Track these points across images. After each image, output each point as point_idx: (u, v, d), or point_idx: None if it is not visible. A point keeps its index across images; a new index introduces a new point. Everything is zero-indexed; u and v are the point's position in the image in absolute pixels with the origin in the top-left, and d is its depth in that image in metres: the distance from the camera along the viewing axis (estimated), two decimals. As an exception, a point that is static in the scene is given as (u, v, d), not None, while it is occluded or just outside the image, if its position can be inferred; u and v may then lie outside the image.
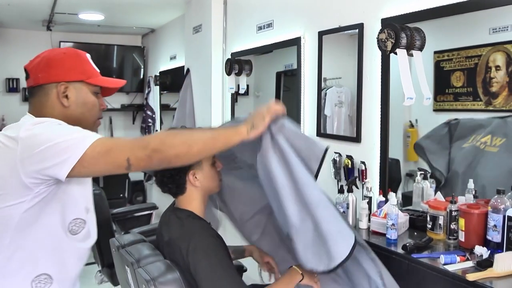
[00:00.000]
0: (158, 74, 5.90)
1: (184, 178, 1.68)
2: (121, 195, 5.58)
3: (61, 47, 1.28)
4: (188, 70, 4.54)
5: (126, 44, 6.53)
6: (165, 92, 5.84)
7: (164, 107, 5.87)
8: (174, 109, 4.76)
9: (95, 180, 5.02)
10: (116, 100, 6.48)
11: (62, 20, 5.40)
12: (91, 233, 1.43)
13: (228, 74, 3.74)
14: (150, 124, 6.09)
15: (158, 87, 5.91)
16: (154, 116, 6.05)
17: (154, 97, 6.05)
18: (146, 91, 6.25)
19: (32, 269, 1.28)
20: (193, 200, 1.72)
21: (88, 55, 1.48)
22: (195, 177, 1.69)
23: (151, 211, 3.52)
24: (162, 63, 5.89)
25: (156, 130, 5.88)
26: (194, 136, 1.29)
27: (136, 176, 6.17)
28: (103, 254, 2.73)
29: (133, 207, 3.69)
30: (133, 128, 6.72)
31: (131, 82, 6.56)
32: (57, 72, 1.36)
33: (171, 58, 5.54)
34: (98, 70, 1.47)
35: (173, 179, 1.68)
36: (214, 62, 4.05)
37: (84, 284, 3.94)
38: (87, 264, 3.79)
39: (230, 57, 3.88)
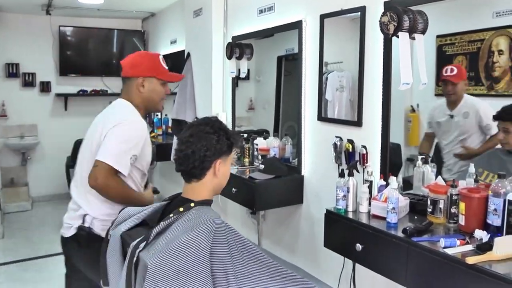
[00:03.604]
0: (158, 58, 5.86)
1: (211, 163, 1.68)
2: (122, 180, 5.58)
3: (143, 52, 2.39)
4: (188, 54, 4.51)
5: (126, 28, 6.49)
6: (165, 76, 5.80)
7: (165, 92, 5.84)
8: (175, 93, 4.73)
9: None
10: (117, 85, 6.43)
11: (61, 4, 5.36)
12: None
13: (229, 58, 3.72)
14: (151, 108, 6.06)
15: (158, 71, 5.87)
16: (154, 100, 6.02)
17: (155, 81, 6.01)
18: (147, 76, 6.22)
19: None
20: (205, 191, 1.72)
21: (161, 57, 2.13)
22: (219, 168, 1.70)
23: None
24: (162, 47, 5.86)
25: (157, 115, 5.86)
26: (123, 196, 2.00)
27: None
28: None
29: (134, 192, 3.69)
30: (134, 112, 6.69)
31: (132, 66, 6.53)
32: (138, 70, 2.06)
33: (171, 42, 5.51)
34: (167, 68, 2.14)
35: (203, 160, 1.66)
36: (214, 46, 4.03)
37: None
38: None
39: (231, 41, 3.86)
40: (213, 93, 4.07)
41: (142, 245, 1.57)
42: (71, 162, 5.12)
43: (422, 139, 2.52)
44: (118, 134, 1.96)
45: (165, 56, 5.67)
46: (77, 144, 5.39)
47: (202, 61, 4.24)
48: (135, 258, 1.56)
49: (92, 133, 2.05)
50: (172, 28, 5.52)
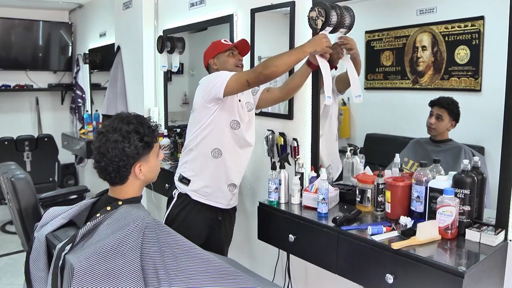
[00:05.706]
0: (87, 51, 5.65)
1: (129, 170, 1.64)
2: (50, 179, 5.33)
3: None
4: (118, 47, 4.39)
5: (52, 20, 6.16)
6: (95, 70, 5.62)
7: (95, 87, 5.65)
8: (105, 88, 4.59)
9: (21, 165, 4.77)
10: (42, 79, 6.14)
11: (-22, -7, 5.03)
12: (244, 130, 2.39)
13: (160, 51, 3.65)
14: (80, 104, 5.84)
15: (87, 65, 5.67)
16: (84, 96, 5.81)
17: (84, 76, 5.80)
18: (75, 70, 5.98)
19: (212, 144, 2.35)
20: (132, 190, 1.68)
21: (223, 39, 2.49)
22: (140, 169, 1.65)
23: (83, 194, 3.41)
24: (91, 40, 5.65)
25: (87, 111, 5.65)
26: (280, 58, 2.14)
27: (66, 159, 5.94)
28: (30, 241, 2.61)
29: (62, 191, 3.53)
30: (62, 108, 6.40)
31: (59, 60, 6.24)
32: (207, 56, 2.50)
33: (100, 35, 5.33)
34: (229, 42, 2.49)
35: (118, 170, 1.62)
36: (145, 39, 3.94)
37: (13, 273, 3.76)
38: (16, 252, 3.64)
39: (162, 34, 3.78)
40: (144, 87, 3.97)
41: (68, 247, 1.51)
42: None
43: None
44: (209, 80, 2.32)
45: (94, 50, 5.61)
46: (-1, 142, 5.10)
47: (133, 54, 4.13)
48: (61, 261, 1.49)
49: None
50: (101, 21, 5.33)
